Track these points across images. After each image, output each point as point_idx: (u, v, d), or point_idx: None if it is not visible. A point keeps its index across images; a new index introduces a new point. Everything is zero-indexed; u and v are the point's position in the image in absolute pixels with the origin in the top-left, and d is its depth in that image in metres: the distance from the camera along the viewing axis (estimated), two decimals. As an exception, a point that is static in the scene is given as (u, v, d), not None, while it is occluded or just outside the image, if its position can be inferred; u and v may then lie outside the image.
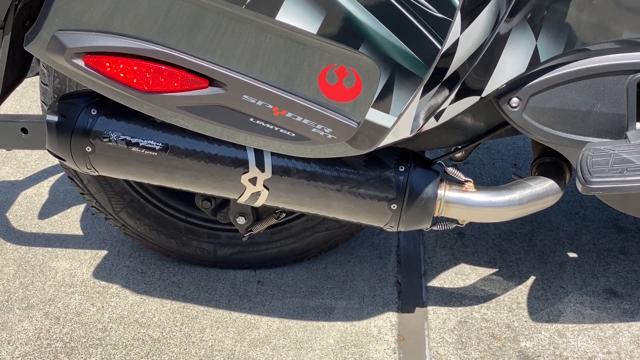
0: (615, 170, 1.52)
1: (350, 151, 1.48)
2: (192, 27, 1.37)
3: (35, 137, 1.79)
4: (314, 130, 1.45)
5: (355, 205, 1.62)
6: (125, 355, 1.76)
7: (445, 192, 1.63)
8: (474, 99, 1.53)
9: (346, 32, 1.34)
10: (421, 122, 1.47)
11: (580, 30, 1.54)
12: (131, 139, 1.58)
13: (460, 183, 1.65)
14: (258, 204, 1.65)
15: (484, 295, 1.92)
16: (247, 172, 1.59)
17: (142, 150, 1.59)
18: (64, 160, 1.64)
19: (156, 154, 1.59)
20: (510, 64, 1.52)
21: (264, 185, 1.61)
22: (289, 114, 1.43)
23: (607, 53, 1.55)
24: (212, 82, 1.42)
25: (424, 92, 1.41)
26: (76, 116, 1.59)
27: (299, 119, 1.44)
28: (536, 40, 1.52)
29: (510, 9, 1.45)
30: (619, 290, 1.92)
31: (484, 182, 2.36)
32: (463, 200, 1.63)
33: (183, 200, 1.93)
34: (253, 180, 1.60)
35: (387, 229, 1.66)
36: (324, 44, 1.36)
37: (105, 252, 2.09)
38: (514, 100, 1.57)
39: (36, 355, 1.76)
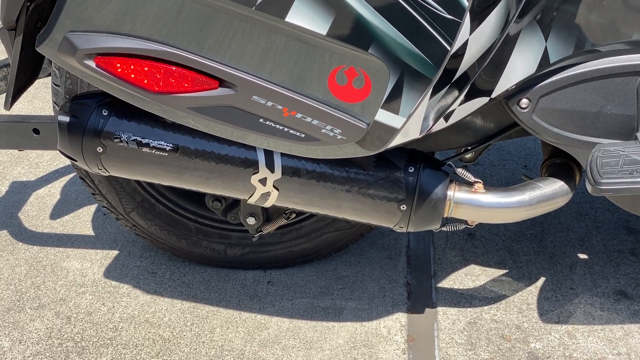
0: (625, 171, 1.52)
1: (360, 152, 1.48)
2: (203, 28, 1.38)
3: (47, 138, 1.79)
4: (323, 131, 1.45)
5: (364, 205, 1.62)
6: (136, 354, 1.77)
7: (455, 193, 1.63)
8: (483, 100, 1.53)
9: (355, 33, 1.34)
10: (430, 123, 1.47)
11: (590, 31, 1.53)
12: (142, 140, 1.59)
13: (470, 184, 1.65)
14: (268, 204, 1.66)
15: (494, 296, 1.92)
16: (257, 172, 1.60)
17: (153, 151, 1.59)
18: (75, 161, 1.65)
19: (167, 154, 1.59)
20: (520, 65, 1.52)
21: (274, 186, 1.61)
22: (299, 115, 1.44)
23: (617, 54, 1.54)
24: (222, 83, 1.42)
25: (434, 93, 1.41)
26: (87, 117, 1.60)
27: (308, 119, 1.44)
28: (546, 41, 1.52)
29: (519, 9, 1.45)
30: (629, 291, 1.91)
31: (494, 183, 2.36)
32: (472, 201, 1.64)
33: (194, 201, 1.94)
34: (263, 181, 1.61)
35: (397, 230, 1.66)
36: (334, 45, 1.36)
37: (116, 252, 2.10)
38: (524, 102, 1.56)
39: (47, 354, 1.77)
